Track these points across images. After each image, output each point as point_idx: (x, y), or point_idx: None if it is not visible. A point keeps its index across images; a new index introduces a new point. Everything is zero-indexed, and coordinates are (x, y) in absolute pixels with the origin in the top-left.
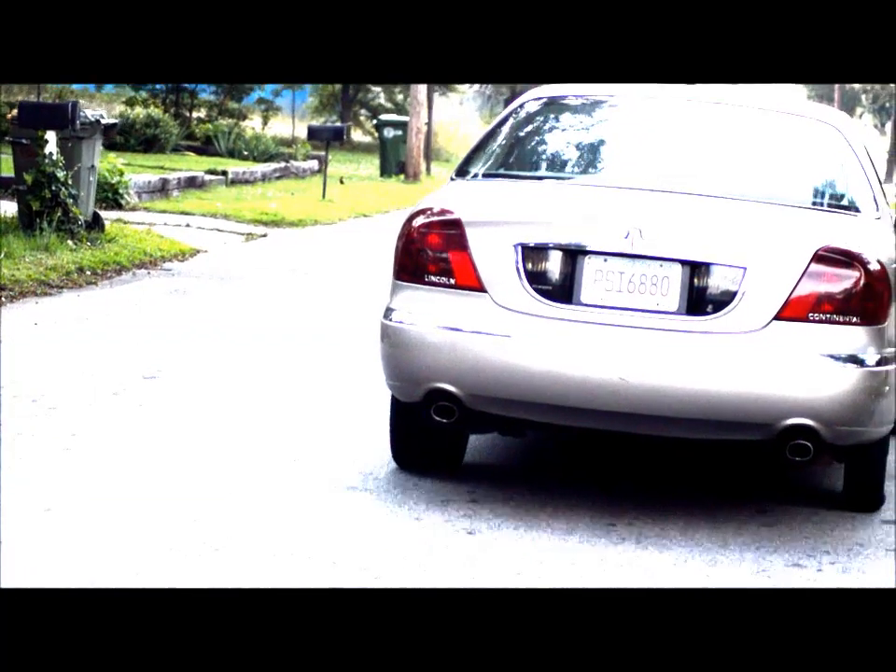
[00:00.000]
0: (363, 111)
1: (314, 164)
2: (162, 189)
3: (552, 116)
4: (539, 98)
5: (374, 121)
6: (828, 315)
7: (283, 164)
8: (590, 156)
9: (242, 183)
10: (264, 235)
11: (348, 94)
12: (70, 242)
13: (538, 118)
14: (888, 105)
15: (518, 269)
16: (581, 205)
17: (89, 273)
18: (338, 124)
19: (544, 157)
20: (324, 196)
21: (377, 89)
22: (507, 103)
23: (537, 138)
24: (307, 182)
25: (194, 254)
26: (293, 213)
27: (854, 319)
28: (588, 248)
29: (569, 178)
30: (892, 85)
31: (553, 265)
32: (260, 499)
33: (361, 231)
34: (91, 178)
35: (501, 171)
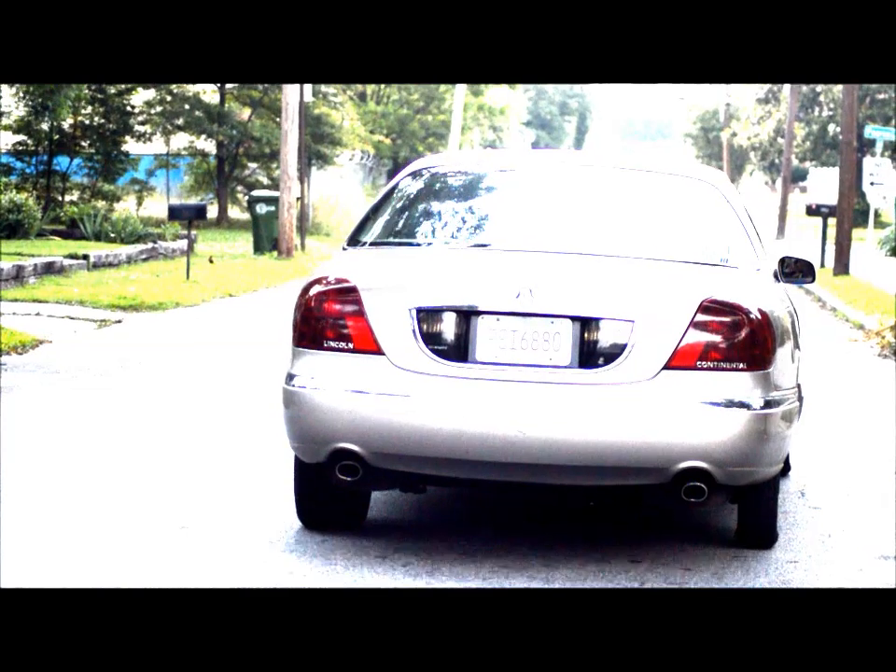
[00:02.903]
0: (240, 188)
1: (184, 244)
2: (17, 276)
3: (440, 184)
4: (427, 167)
5: (247, 198)
6: (715, 363)
7: (150, 245)
8: (479, 221)
9: (105, 266)
10: (119, 321)
11: (224, 171)
12: None
13: (426, 186)
14: (776, 161)
15: (414, 331)
16: (473, 268)
17: None
18: (200, 202)
19: (435, 223)
20: (188, 277)
21: (253, 165)
22: (389, 174)
23: (426, 205)
24: (175, 263)
25: (36, 345)
26: (153, 296)
27: (740, 366)
28: (481, 309)
29: (460, 243)
30: (781, 140)
31: (448, 326)
32: None
33: (224, 313)
34: None
35: (393, 238)
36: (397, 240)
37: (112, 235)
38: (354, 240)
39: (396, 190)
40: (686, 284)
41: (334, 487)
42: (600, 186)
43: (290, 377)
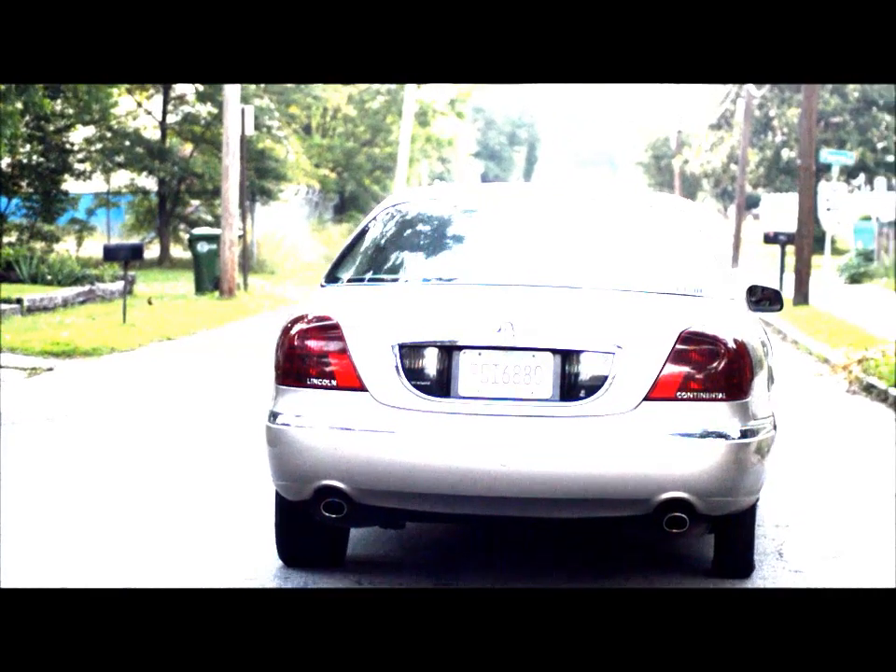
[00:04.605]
0: (183, 226)
1: (122, 285)
2: None
3: (414, 220)
4: (399, 204)
5: (188, 236)
6: (694, 394)
7: (88, 288)
8: (457, 256)
9: (40, 311)
10: (50, 369)
11: (165, 209)
12: None
13: (401, 223)
14: (729, 188)
15: (397, 367)
16: (454, 303)
17: None
18: (140, 241)
19: (413, 259)
20: (125, 320)
21: (196, 202)
22: (336, 209)
23: (403, 242)
24: (113, 305)
25: None
26: (88, 341)
27: (719, 395)
28: (462, 343)
29: (439, 279)
30: (734, 167)
31: (431, 362)
32: None
33: (160, 359)
34: None
35: (372, 275)
36: (375, 276)
37: (49, 278)
38: (332, 277)
39: (370, 228)
40: (664, 315)
41: (316, 524)
42: (576, 218)
43: (274, 415)
